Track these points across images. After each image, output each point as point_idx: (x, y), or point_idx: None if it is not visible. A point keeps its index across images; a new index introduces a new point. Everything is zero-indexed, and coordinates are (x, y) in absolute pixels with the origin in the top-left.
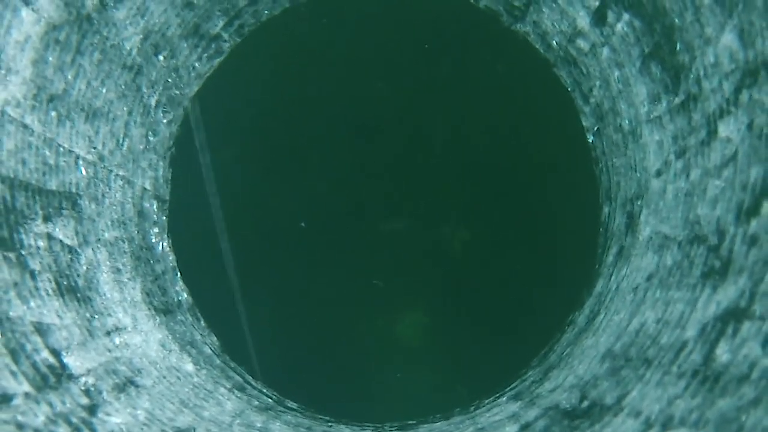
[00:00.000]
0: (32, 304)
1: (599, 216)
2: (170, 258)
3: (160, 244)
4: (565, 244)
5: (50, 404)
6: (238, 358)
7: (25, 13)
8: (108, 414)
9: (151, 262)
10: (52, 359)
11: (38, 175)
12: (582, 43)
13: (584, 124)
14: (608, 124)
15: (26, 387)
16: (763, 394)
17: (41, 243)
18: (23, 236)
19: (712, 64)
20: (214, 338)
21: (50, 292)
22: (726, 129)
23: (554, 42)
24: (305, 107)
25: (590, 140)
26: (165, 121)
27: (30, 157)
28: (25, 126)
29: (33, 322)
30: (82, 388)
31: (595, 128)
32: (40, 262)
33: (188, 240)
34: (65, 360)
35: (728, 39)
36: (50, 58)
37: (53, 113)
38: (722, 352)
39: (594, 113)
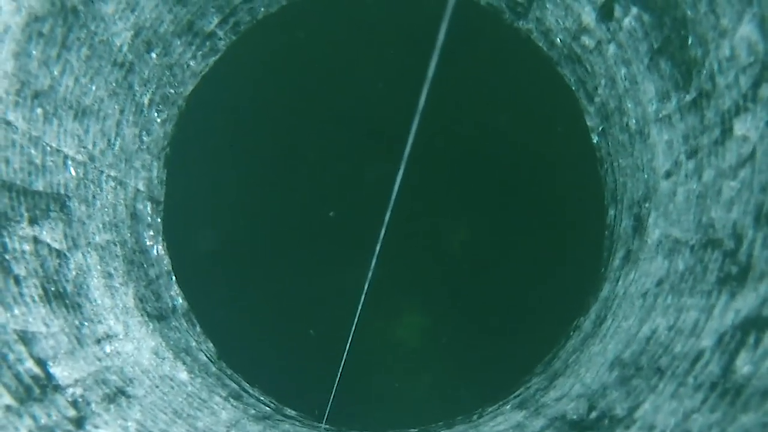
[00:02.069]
0: (16, 311)
1: (604, 218)
2: (165, 262)
3: (155, 247)
4: (570, 247)
5: (34, 417)
6: (235, 365)
7: (4, 1)
8: (96, 426)
9: (145, 266)
10: (36, 369)
11: (23, 175)
12: (587, 40)
13: (589, 123)
14: (614, 124)
15: (7, 399)
16: None
17: (27, 246)
18: (7, 240)
19: (728, 57)
20: (210, 345)
21: (36, 298)
22: (742, 127)
23: (558, 39)
24: (303, 106)
25: (595, 141)
26: (159, 120)
27: (14, 156)
28: (8, 123)
29: (17, 330)
30: (69, 399)
31: (600, 128)
32: (25, 267)
33: (184, 243)
34: (51, 370)
35: (746, 30)
36: (34, 52)
37: (39, 110)
38: (743, 364)
39: (599, 113)
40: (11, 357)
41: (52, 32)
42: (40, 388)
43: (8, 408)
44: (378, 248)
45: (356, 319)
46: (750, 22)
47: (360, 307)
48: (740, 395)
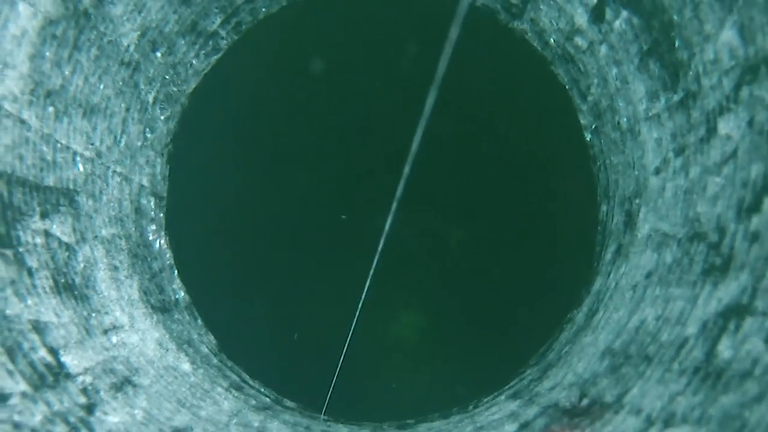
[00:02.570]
0: (29, 301)
1: (597, 214)
2: (167, 255)
3: (158, 241)
4: (563, 243)
5: (48, 403)
6: (235, 357)
7: (22, 7)
8: (106, 413)
9: (149, 259)
10: (49, 358)
11: (36, 171)
12: (580, 41)
13: (582, 122)
14: (606, 122)
15: (23, 386)
16: (766, 389)
17: (39, 240)
18: (20, 233)
19: (712, 60)
20: (212, 337)
21: (48, 289)
22: (726, 126)
23: (552, 39)
24: (303, 105)
25: (588, 138)
26: (162, 117)
27: (27, 153)
28: (23, 121)
29: (30, 320)
30: (80, 387)
31: (593, 126)
32: (37, 260)
33: (186, 237)
34: (63, 359)
35: (728, 35)
36: (47, 53)
37: (51, 109)
38: (724, 349)
39: (592, 111)
40: (26, 345)
41: (65, 34)
42: (53, 375)
43: (24, 394)
44: (380, 246)
45: (356, 316)
46: (731, 28)
47: (360, 303)
48: (721, 378)
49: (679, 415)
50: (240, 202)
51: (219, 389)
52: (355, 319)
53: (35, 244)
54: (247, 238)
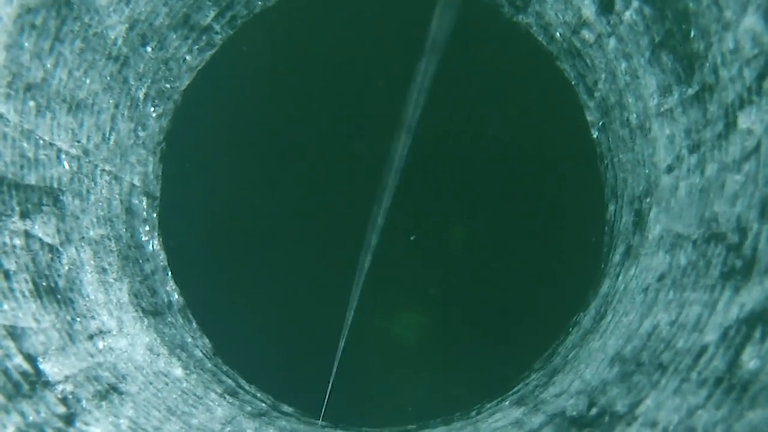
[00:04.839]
0: (5, 306)
1: (605, 214)
2: (161, 257)
3: (150, 242)
4: (569, 243)
5: (22, 414)
6: (230, 361)
7: None
8: (87, 423)
9: (140, 261)
10: (26, 365)
11: (15, 168)
12: (587, 34)
13: (588, 118)
14: (614, 119)
15: None
16: None
17: (18, 241)
18: None
19: (731, 50)
20: (206, 340)
21: (27, 293)
22: (747, 120)
23: (557, 33)
24: (300, 102)
25: (595, 136)
26: (155, 114)
27: (5, 149)
28: (0, 116)
29: (6, 325)
30: (59, 396)
31: (600, 123)
32: (16, 262)
33: (180, 238)
34: (41, 366)
35: (751, 21)
36: (26, 44)
37: (31, 103)
38: (749, 359)
39: (599, 107)
40: (0, 353)
41: (45, 24)
42: (29, 384)
43: None
44: (371, 244)
45: (349, 316)
46: (755, 14)
47: (351, 303)
48: (747, 391)
49: (700, 431)
50: (236, 201)
51: (213, 395)
52: (346, 320)
53: (14, 246)
54: (243, 238)
